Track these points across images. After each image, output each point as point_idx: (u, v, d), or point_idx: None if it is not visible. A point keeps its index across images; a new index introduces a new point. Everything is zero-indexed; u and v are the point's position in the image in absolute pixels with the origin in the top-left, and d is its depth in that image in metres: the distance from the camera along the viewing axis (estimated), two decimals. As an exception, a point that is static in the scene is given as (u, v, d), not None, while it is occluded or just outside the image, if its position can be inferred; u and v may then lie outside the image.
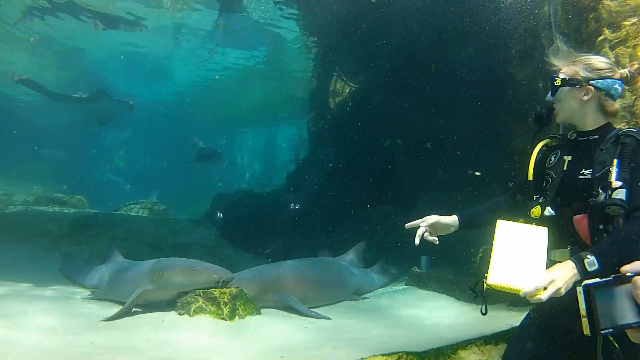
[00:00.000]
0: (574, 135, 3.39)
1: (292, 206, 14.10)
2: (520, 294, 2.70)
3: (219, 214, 14.81)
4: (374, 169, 13.12)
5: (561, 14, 6.72)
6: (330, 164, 14.22)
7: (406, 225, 3.68)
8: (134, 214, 18.08)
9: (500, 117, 9.26)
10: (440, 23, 10.94)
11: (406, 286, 9.91)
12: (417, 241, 3.59)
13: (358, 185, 13.20)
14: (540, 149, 3.46)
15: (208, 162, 23.54)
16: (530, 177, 3.39)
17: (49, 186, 25.80)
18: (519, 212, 3.48)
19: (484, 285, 2.92)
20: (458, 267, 9.56)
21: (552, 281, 2.66)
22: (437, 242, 3.59)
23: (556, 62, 3.40)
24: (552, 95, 3.36)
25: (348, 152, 13.87)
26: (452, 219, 3.67)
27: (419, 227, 3.62)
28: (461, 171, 10.52)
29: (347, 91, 15.73)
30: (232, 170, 40.61)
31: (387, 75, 12.92)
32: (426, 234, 3.60)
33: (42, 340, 5.45)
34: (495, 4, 9.14)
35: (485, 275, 2.90)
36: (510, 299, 6.79)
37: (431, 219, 3.62)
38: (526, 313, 3.62)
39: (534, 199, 3.38)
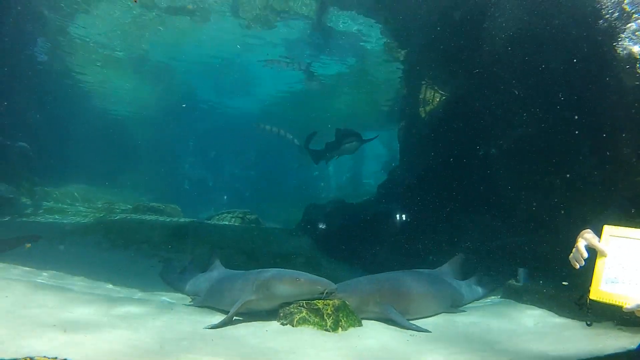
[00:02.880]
0: None
1: (385, 217, 14.08)
2: (624, 309, 2.60)
3: (315, 223, 15.01)
4: (467, 178, 12.91)
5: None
6: (423, 174, 14.11)
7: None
8: (226, 223, 18.66)
9: (604, 123, 8.90)
10: (536, 25, 10.64)
11: (503, 299, 9.69)
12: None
13: (452, 195, 13.03)
14: None
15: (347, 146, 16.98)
16: None
17: (146, 195, 27.27)
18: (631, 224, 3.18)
19: (587, 299, 2.84)
20: (557, 281, 9.24)
21: None
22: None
23: None
24: None
25: (440, 161, 13.73)
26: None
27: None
28: (557, 178, 10.20)
29: (438, 99, 15.57)
30: (323, 179, 41.04)
31: (479, 83, 12.70)
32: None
33: (159, 341, 5.86)
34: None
35: (590, 288, 2.82)
36: (618, 316, 6.49)
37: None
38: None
39: None
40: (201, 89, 31.66)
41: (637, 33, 7.41)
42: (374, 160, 41.62)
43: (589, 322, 3.15)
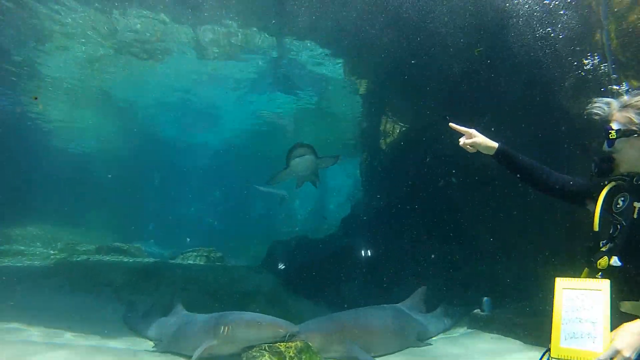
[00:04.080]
0: None
1: (349, 251, 13.99)
2: None
3: (279, 260, 14.84)
4: (430, 208, 12.99)
5: (615, 42, 6.61)
6: (385, 206, 14.14)
7: (450, 124, 4.03)
8: (191, 262, 18.33)
9: (558, 151, 9.08)
10: (491, 57, 10.89)
11: (469, 330, 9.66)
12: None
13: (415, 226, 13.08)
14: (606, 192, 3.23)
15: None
16: (596, 228, 3.17)
17: (112, 234, 26.69)
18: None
19: (549, 358, 2.82)
20: (520, 307, 9.28)
21: (618, 352, 2.50)
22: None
23: (606, 110, 3.23)
24: (609, 147, 3.17)
25: (402, 193, 13.80)
26: (493, 144, 3.85)
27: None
28: (518, 205, 10.34)
29: (398, 131, 15.72)
30: (287, 213, 40.88)
31: (438, 114, 12.88)
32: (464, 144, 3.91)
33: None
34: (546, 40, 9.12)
35: (549, 347, 2.80)
36: None
37: (475, 135, 3.89)
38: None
39: (600, 248, 3.15)
40: (164, 124, 31.42)
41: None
42: (338, 191, 41.79)
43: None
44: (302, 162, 12.51)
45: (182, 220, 41.56)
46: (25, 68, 20.13)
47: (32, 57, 19.26)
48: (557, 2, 8.77)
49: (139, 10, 15.17)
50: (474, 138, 3.86)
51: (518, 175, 3.77)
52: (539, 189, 3.70)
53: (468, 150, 3.90)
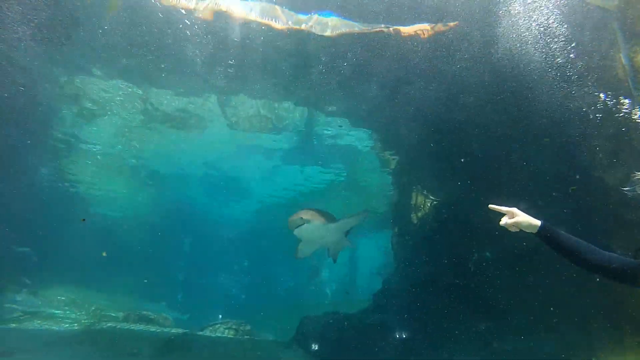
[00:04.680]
0: None
1: (381, 328, 13.66)
2: None
3: (310, 337, 14.53)
4: (463, 284, 12.74)
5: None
6: (417, 281, 13.90)
7: (490, 205, 3.97)
8: (219, 334, 18.08)
9: (596, 224, 8.94)
10: (521, 132, 10.95)
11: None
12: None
13: (449, 301, 12.79)
14: None
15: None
16: None
17: (140, 299, 26.76)
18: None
19: None
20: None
21: None
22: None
23: None
24: None
25: (435, 267, 13.57)
26: (535, 222, 3.79)
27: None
28: (555, 279, 10.10)
29: (429, 205, 15.64)
30: (317, 285, 40.51)
31: (469, 188, 12.84)
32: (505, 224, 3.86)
33: None
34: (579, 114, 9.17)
35: None
36: None
37: (516, 213, 3.84)
38: None
39: None
40: (194, 194, 31.94)
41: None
42: (369, 263, 41.33)
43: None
44: (305, 232, 10.79)
45: (210, 289, 41.44)
46: (64, 141, 20.96)
47: (70, 131, 20.10)
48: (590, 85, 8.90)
49: (175, 89, 15.81)
50: (515, 217, 3.83)
51: (561, 253, 3.71)
52: (583, 267, 3.62)
53: (510, 229, 3.86)
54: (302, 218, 10.43)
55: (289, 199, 30.10)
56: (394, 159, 18.42)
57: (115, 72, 14.87)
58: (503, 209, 3.91)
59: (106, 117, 18.73)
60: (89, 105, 17.56)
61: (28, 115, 17.08)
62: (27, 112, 16.75)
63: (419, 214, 15.75)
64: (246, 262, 47.87)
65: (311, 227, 10.60)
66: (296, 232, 10.67)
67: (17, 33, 11.52)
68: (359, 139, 19.02)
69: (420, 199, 15.92)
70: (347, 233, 12.06)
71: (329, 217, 10.99)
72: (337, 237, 11.88)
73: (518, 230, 3.83)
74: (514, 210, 3.87)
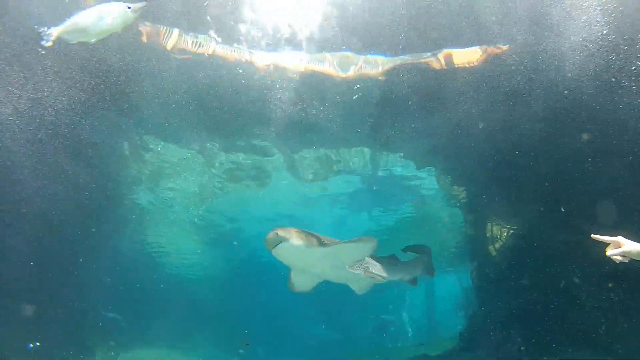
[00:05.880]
0: None
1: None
2: None
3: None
4: (555, 314, 12.16)
5: None
6: (505, 316, 13.39)
7: (593, 236, 3.73)
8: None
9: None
10: (599, 149, 10.59)
11: None
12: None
13: (542, 334, 12.23)
14: None
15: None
16: None
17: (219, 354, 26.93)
18: None
19: None
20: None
21: None
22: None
23: None
24: None
25: (522, 300, 13.08)
26: None
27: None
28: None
29: (506, 235, 15.19)
30: (399, 327, 39.83)
31: (544, 210, 12.44)
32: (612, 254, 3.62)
33: None
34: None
35: None
36: None
37: (622, 243, 3.60)
38: None
39: None
40: (264, 249, 32.21)
41: None
42: (446, 299, 40.31)
43: None
44: (285, 254, 8.40)
45: (289, 338, 41.45)
46: (138, 206, 21.80)
47: (144, 195, 20.91)
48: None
49: (246, 151, 16.27)
50: (622, 247, 3.61)
51: None
52: None
53: (616, 260, 3.65)
54: (277, 234, 8.11)
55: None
56: (462, 192, 18.08)
57: (187, 135, 15.37)
58: (607, 238, 3.71)
59: (179, 179, 19.35)
60: (160, 168, 18.21)
61: (105, 184, 17.83)
62: (103, 181, 17.48)
63: (497, 245, 15.31)
64: (323, 310, 47.61)
65: (291, 248, 8.20)
66: (274, 253, 8.34)
67: (87, 104, 12.02)
68: (424, 176, 18.80)
69: (495, 229, 15.51)
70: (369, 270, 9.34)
71: (317, 240, 8.39)
72: (338, 269, 9.12)
73: (627, 260, 3.61)
74: (620, 239, 3.66)
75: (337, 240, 8.44)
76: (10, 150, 12.57)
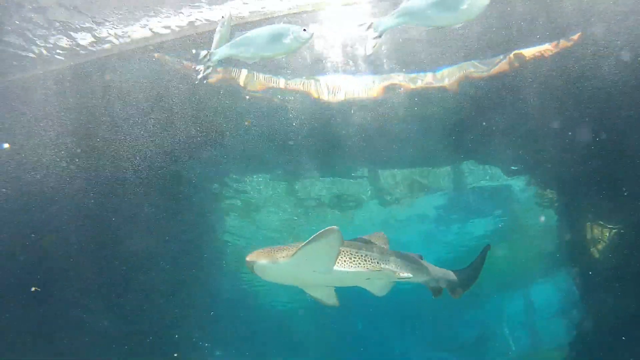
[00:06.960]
0: None
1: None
2: None
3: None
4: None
5: None
6: (618, 322, 12.53)
7: None
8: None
9: None
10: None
11: None
12: None
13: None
14: None
15: None
16: None
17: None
18: None
19: None
20: None
21: None
22: None
23: None
24: None
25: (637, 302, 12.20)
26: None
27: None
28: None
29: (608, 234, 14.28)
30: (500, 340, 38.54)
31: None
32: None
33: None
34: None
35: None
36: None
37: None
38: None
39: None
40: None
41: None
42: (546, 307, 38.64)
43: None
44: (266, 275, 8.18)
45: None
46: (225, 243, 22.31)
47: (231, 231, 21.36)
48: None
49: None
50: None
51: None
52: None
53: None
54: (247, 260, 7.96)
55: (450, 257, 29.23)
56: (554, 195, 17.26)
57: (269, 169, 15.72)
58: None
59: (263, 213, 19.66)
60: (245, 204, 18.56)
61: (197, 224, 18.38)
62: (196, 219, 18.04)
63: (600, 247, 14.40)
64: (425, 330, 46.99)
65: (264, 268, 7.99)
66: (260, 276, 8.17)
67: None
68: (514, 182, 18.14)
69: (596, 230, 14.60)
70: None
71: (283, 253, 8.08)
72: (323, 272, 8.22)
73: None
74: None
75: (299, 244, 7.71)
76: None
